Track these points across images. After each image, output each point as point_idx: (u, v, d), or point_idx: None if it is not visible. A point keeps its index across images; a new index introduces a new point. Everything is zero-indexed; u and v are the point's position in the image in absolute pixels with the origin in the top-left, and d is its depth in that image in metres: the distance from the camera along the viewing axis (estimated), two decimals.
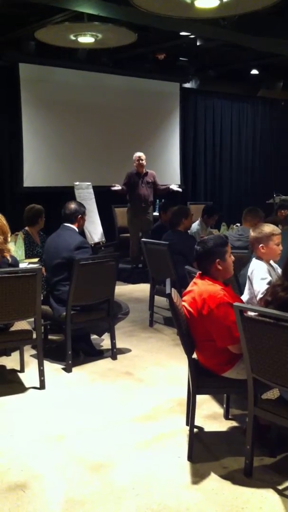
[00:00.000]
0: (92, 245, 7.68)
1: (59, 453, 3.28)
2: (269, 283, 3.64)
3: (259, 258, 3.89)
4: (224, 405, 3.71)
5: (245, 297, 3.87)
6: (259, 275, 3.74)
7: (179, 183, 10.92)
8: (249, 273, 3.86)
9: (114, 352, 4.87)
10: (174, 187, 8.53)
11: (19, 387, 4.25)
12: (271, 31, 7.31)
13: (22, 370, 4.55)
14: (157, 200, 8.56)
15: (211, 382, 3.23)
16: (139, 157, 8.18)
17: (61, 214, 4.91)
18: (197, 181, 11.59)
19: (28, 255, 5.59)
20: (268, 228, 3.91)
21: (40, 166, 9.13)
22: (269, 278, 3.71)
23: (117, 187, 8.18)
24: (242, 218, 5.63)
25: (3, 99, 8.80)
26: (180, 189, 8.26)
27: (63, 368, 4.61)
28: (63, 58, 8.88)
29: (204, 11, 5.81)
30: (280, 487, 2.92)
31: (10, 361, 4.76)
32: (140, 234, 8.12)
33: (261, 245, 3.86)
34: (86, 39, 7.22)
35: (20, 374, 4.50)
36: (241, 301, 3.40)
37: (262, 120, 12.63)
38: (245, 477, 3.00)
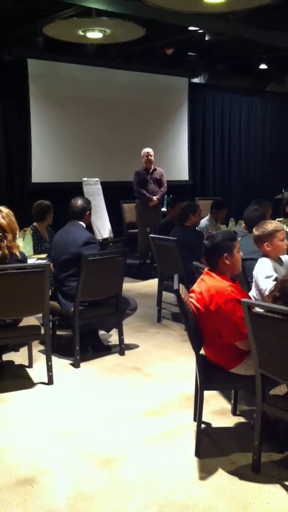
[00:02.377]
0: (100, 241, 7.68)
1: (67, 448, 3.29)
2: (275, 279, 3.60)
3: (265, 256, 3.85)
4: (232, 401, 3.71)
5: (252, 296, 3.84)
6: (264, 273, 3.70)
7: (188, 179, 10.92)
8: (254, 273, 3.83)
9: (122, 348, 4.88)
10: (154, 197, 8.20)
11: (28, 383, 4.27)
12: (280, 25, 7.27)
13: (30, 366, 4.57)
14: (165, 196, 8.53)
15: (219, 377, 3.23)
16: (148, 153, 8.15)
17: (69, 211, 4.89)
18: (205, 177, 11.55)
19: (36, 251, 5.60)
20: (270, 225, 3.85)
21: (48, 162, 9.13)
22: (274, 275, 3.67)
23: (154, 200, 8.09)
24: None
25: (11, 94, 8.79)
26: (155, 198, 8.15)
27: (71, 364, 4.63)
28: (71, 53, 8.86)
29: (213, 5, 5.79)
30: None
31: (19, 357, 4.78)
32: (148, 229, 8.11)
33: (265, 243, 3.81)
34: (94, 34, 7.20)
35: (28, 370, 4.52)
36: (249, 298, 3.38)
37: (271, 114, 12.56)
38: (253, 472, 3.00)
